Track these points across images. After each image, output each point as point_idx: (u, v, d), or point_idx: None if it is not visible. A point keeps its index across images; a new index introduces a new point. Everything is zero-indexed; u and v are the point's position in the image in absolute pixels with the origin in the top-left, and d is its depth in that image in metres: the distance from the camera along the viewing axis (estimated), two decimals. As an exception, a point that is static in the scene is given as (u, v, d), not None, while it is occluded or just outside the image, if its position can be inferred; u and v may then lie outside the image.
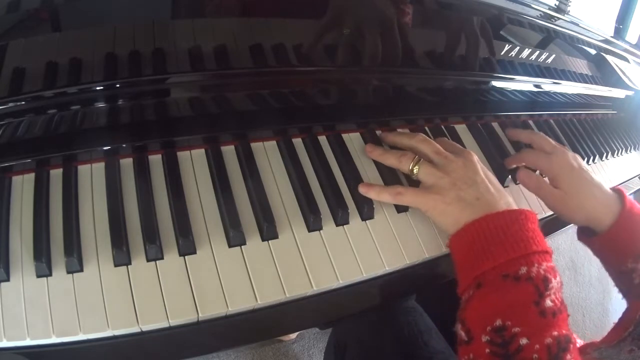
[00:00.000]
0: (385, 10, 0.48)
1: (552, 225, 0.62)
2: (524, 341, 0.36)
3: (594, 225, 0.54)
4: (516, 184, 0.60)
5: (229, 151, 0.48)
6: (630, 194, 0.84)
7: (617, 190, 0.55)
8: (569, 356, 0.36)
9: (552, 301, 0.38)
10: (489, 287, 0.39)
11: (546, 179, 0.57)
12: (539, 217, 0.60)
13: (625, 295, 0.55)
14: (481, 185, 0.45)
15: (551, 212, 0.61)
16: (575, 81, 0.74)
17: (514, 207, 0.45)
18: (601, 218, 0.53)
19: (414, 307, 0.64)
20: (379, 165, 0.52)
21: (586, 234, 0.56)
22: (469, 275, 0.41)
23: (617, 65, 0.79)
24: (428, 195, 0.46)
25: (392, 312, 0.61)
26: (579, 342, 0.55)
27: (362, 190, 0.48)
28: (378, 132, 0.55)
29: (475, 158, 0.48)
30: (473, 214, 0.43)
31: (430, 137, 0.51)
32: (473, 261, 0.41)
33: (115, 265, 0.38)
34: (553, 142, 0.58)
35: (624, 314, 0.52)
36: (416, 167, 0.47)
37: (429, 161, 0.48)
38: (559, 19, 0.61)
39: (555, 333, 0.37)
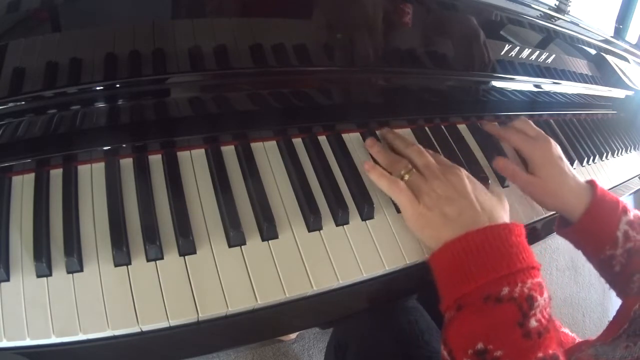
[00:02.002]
0: (385, 9, 0.48)
1: (552, 225, 0.62)
2: None
3: (568, 214, 0.55)
4: (491, 166, 0.60)
5: (229, 151, 0.48)
6: (630, 194, 0.84)
7: (589, 181, 0.56)
8: None
9: (538, 320, 0.37)
10: (469, 309, 0.38)
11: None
12: (540, 217, 0.60)
13: (610, 285, 0.56)
14: (464, 201, 0.44)
15: (551, 212, 0.61)
16: (575, 81, 0.74)
17: (500, 221, 0.44)
18: (574, 207, 0.53)
19: (415, 306, 0.64)
20: (376, 164, 0.52)
21: (564, 226, 0.56)
22: (450, 296, 0.40)
23: (617, 65, 0.79)
24: (415, 205, 0.45)
25: (393, 312, 0.61)
26: (577, 340, 0.55)
27: (366, 166, 0.49)
28: (378, 132, 0.55)
29: (464, 174, 0.48)
30: (454, 230, 0.42)
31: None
32: (454, 282, 0.40)
33: (115, 265, 0.38)
34: (536, 127, 0.59)
35: (618, 311, 0.52)
36: (407, 175, 0.47)
37: (420, 172, 0.48)
38: (559, 19, 0.61)
39: (541, 355, 0.36)
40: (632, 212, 0.53)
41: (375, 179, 0.48)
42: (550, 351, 0.37)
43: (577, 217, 0.53)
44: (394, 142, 0.53)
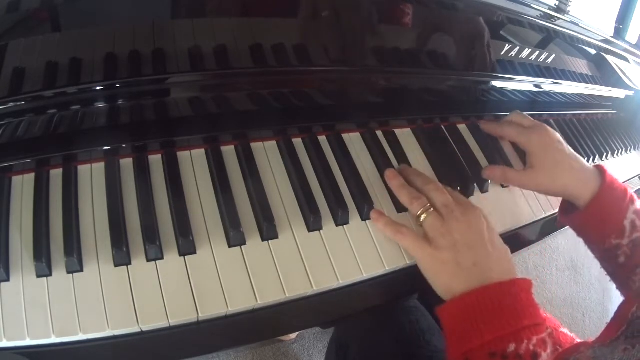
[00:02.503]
0: (385, 10, 0.48)
1: (551, 226, 0.62)
2: None
3: (574, 200, 0.54)
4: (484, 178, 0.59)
5: (229, 151, 0.48)
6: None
7: (597, 166, 0.54)
8: None
9: None
10: None
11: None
12: (540, 216, 0.60)
13: (611, 277, 0.55)
14: (481, 251, 0.44)
15: (552, 212, 0.61)
16: (575, 81, 0.74)
17: (510, 275, 0.44)
18: (581, 192, 0.52)
19: (416, 306, 0.64)
20: (379, 166, 0.52)
21: (568, 212, 0.55)
22: (456, 350, 0.41)
23: (617, 65, 0.79)
24: (425, 247, 0.44)
25: (394, 311, 0.61)
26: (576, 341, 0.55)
27: (374, 216, 0.47)
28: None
29: (482, 216, 0.46)
30: (466, 283, 0.42)
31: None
32: (461, 336, 0.40)
33: (115, 265, 0.38)
34: (531, 119, 0.59)
35: (616, 313, 0.52)
36: (424, 215, 0.46)
37: (437, 211, 0.46)
38: (559, 19, 0.61)
39: None
40: (639, 202, 0.52)
41: (382, 227, 0.47)
42: None
43: (584, 203, 0.52)
44: (412, 178, 0.51)
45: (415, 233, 0.46)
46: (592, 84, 0.77)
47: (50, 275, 0.37)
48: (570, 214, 0.55)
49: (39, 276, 0.37)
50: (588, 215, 0.52)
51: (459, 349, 0.40)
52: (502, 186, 0.59)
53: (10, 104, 0.38)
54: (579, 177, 0.53)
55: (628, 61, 0.81)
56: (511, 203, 0.58)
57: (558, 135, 0.57)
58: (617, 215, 0.51)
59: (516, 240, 0.58)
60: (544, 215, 0.61)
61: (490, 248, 0.44)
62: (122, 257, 0.38)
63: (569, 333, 0.58)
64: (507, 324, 0.39)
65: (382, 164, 0.52)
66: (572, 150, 0.56)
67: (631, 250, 0.50)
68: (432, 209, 0.46)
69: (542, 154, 0.54)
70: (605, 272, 0.56)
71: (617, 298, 0.55)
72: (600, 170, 0.54)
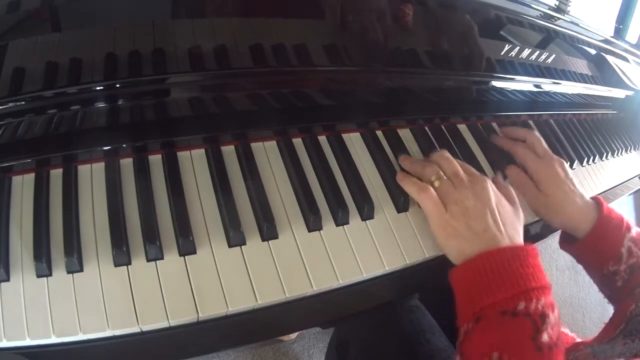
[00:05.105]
0: (385, 10, 0.48)
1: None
2: None
3: (574, 231, 0.56)
4: (505, 179, 0.60)
5: (229, 151, 0.48)
6: (630, 194, 0.84)
7: (595, 199, 0.57)
8: None
9: (549, 336, 0.39)
10: (487, 322, 0.40)
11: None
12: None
13: (609, 299, 0.57)
14: (490, 217, 0.46)
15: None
16: (575, 81, 0.74)
17: (518, 240, 0.46)
18: (580, 224, 0.55)
19: (417, 305, 0.64)
20: (379, 166, 0.52)
21: (568, 242, 0.58)
22: (468, 309, 0.42)
23: (617, 65, 0.79)
24: (443, 213, 0.46)
25: (394, 311, 0.61)
26: (577, 340, 0.55)
27: (399, 176, 0.50)
28: (379, 132, 0.55)
29: (490, 185, 0.49)
30: (477, 246, 0.44)
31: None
32: (473, 296, 0.42)
33: (115, 265, 0.38)
34: (545, 145, 0.60)
35: (615, 313, 0.53)
36: (437, 181, 0.48)
37: (448, 179, 0.49)
38: (559, 19, 0.61)
39: None
40: (635, 229, 0.55)
41: (405, 186, 0.49)
42: None
43: (583, 234, 0.55)
44: (416, 162, 0.53)
45: (437, 196, 0.47)
46: (592, 84, 0.77)
47: (50, 275, 0.37)
48: (570, 243, 0.57)
49: (39, 276, 0.37)
50: (587, 245, 0.55)
51: (471, 308, 0.42)
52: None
53: (10, 104, 0.38)
54: (580, 211, 0.55)
55: (628, 61, 0.81)
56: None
57: (566, 168, 0.58)
58: (614, 244, 0.53)
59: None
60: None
61: (498, 216, 0.46)
62: (122, 257, 0.38)
63: (569, 333, 0.58)
64: (517, 284, 0.41)
65: (382, 164, 0.52)
66: (576, 184, 0.57)
67: (628, 275, 0.53)
68: (443, 177, 0.49)
69: (551, 186, 0.56)
70: (603, 295, 0.59)
71: (617, 298, 0.55)
72: (598, 202, 0.56)
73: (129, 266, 0.39)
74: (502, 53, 0.59)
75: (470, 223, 0.45)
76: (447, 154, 0.51)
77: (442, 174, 0.49)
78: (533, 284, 0.41)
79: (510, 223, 0.47)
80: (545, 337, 0.39)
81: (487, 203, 0.47)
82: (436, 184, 0.48)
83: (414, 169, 0.51)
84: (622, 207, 2.09)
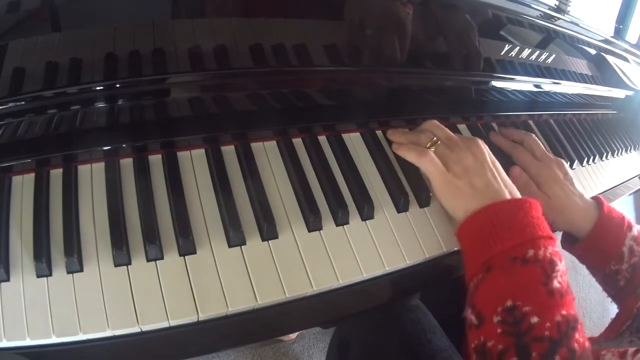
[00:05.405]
0: (385, 10, 0.48)
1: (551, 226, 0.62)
2: (534, 319, 0.37)
3: (575, 232, 0.56)
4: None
5: (229, 151, 0.48)
6: (630, 194, 0.84)
7: (595, 198, 0.57)
8: (577, 335, 0.37)
9: (559, 283, 0.40)
10: (498, 270, 0.41)
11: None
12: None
13: (613, 298, 0.57)
14: (490, 174, 0.47)
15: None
16: (575, 81, 0.74)
17: (518, 195, 0.48)
18: (581, 224, 0.55)
19: (418, 305, 0.64)
20: (379, 166, 0.52)
21: (569, 242, 0.58)
22: (477, 261, 0.43)
23: (617, 65, 0.79)
24: (445, 173, 0.48)
25: (395, 310, 0.61)
26: None
27: (394, 146, 0.52)
28: (379, 132, 0.55)
29: (483, 146, 0.50)
30: (482, 201, 0.45)
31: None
32: (482, 246, 0.43)
33: (115, 265, 0.38)
34: (543, 148, 0.61)
35: (620, 310, 0.53)
36: (433, 147, 0.50)
37: (443, 144, 0.50)
38: (559, 19, 0.61)
39: (564, 312, 0.38)
40: (636, 228, 0.55)
41: (404, 153, 0.51)
42: (572, 312, 0.39)
43: (584, 234, 0.55)
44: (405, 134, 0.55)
45: (437, 158, 0.49)
46: (592, 84, 0.77)
47: (50, 275, 0.37)
48: (571, 244, 0.57)
49: (39, 276, 0.37)
50: (588, 245, 0.55)
51: (480, 257, 0.42)
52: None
53: (10, 104, 0.38)
54: (581, 211, 0.55)
55: (628, 61, 0.81)
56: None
57: (565, 168, 0.59)
58: (615, 243, 0.54)
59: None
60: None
61: (496, 173, 0.48)
62: (122, 257, 0.38)
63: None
64: (524, 232, 0.42)
65: (382, 164, 0.52)
66: (576, 185, 0.58)
67: (630, 274, 0.53)
68: (438, 142, 0.50)
69: (552, 187, 0.57)
70: (607, 295, 0.59)
71: (617, 298, 0.56)
72: (598, 202, 0.56)
73: (129, 266, 0.39)
74: (502, 53, 0.59)
75: (473, 181, 0.46)
76: (437, 122, 0.53)
77: (436, 139, 0.51)
78: (540, 233, 0.42)
79: (508, 179, 0.49)
80: (555, 283, 0.39)
81: (485, 160, 0.48)
82: (432, 149, 0.49)
83: (409, 139, 0.52)
84: (622, 207, 2.09)
